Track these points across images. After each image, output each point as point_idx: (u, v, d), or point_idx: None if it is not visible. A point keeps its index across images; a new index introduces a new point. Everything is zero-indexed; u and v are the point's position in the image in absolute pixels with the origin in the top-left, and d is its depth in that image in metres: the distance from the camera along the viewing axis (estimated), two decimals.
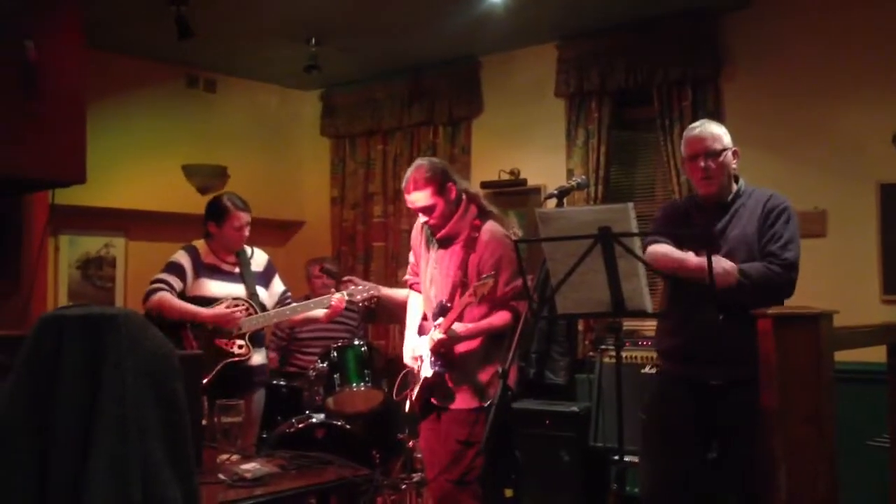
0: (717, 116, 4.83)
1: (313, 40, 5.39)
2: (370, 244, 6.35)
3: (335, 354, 4.49)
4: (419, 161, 3.43)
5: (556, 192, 3.06)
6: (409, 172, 3.37)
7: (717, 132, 3.11)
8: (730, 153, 3.10)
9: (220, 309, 3.89)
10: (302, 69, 5.55)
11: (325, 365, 4.48)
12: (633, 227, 2.62)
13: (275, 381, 4.77)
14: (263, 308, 4.03)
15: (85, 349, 1.66)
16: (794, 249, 2.98)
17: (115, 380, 1.63)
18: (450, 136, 5.99)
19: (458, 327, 3.28)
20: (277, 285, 4.21)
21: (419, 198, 3.33)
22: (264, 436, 4.28)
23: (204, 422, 2.95)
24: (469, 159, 5.89)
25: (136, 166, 5.67)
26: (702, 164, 3.05)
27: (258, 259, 4.18)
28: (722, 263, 2.86)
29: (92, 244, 5.71)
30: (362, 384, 4.43)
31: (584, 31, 5.26)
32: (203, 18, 4.72)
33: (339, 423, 4.30)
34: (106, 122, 5.28)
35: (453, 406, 3.38)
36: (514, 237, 3.36)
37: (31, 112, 2.38)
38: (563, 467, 4.52)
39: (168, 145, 5.88)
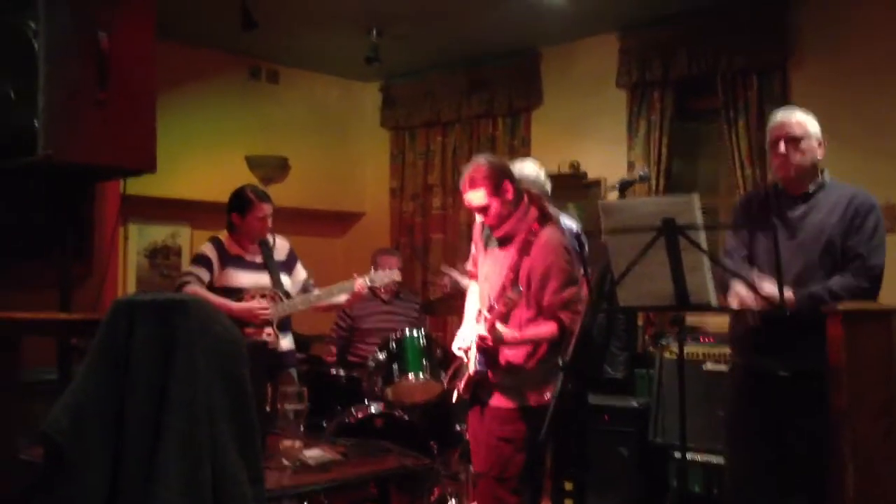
0: (784, 105, 4.71)
1: (374, 31, 5.42)
2: (429, 236, 6.36)
3: (394, 345, 4.51)
4: (478, 159, 3.37)
5: (617, 184, 3.03)
6: (467, 170, 3.31)
7: (801, 119, 3.05)
8: (814, 141, 3.03)
9: (250, 304, 3.96)
10: (362, 60, 5.58)
11: (383, 355, 4.51)
12: (698, 218, 2.57)
13: (334, 371, 4.82)
14: (288, 296, 4.11)
15: (156, 334, 1.70)
16: (882, 254, 2.91)
17: (186, 364, 1.67)
18: (509, 127, 5.97)
19: (503, 331, 3.25)
20: (300, 272, 4.29)
21: (474, 197, 3.28)
22: (324, 424, 4.33)
23: (267, 408, 2.99)
24: (528, 151, 5.85)
25: (200, 157, 5.78)
26: (781, 149, 2.99)
27: (280, 247, 4.26)
28: (788, 293, 2.78)
29: (159, 233, 5.85)
30: (421, 375, 4.44)
31: (646, 20, 5.19)
32: (266, 9, 4.78)
33: (398, 414, 4.33)
34: (172, 113, 5.38)
35: (494, 403, 3.37)
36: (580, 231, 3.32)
37: (105, 103, 2.43)
38: (622, 462, 4.48)
39: (232, 136, 5.98)
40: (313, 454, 2.66)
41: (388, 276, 4.15)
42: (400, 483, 3.93)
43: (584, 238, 3.47)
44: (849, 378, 2.30)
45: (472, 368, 3.35)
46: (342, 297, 4.16)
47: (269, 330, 4.01)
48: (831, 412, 2.36)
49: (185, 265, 5.91)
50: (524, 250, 3.27)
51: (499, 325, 3.19)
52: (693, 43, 5.02)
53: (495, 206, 3.28)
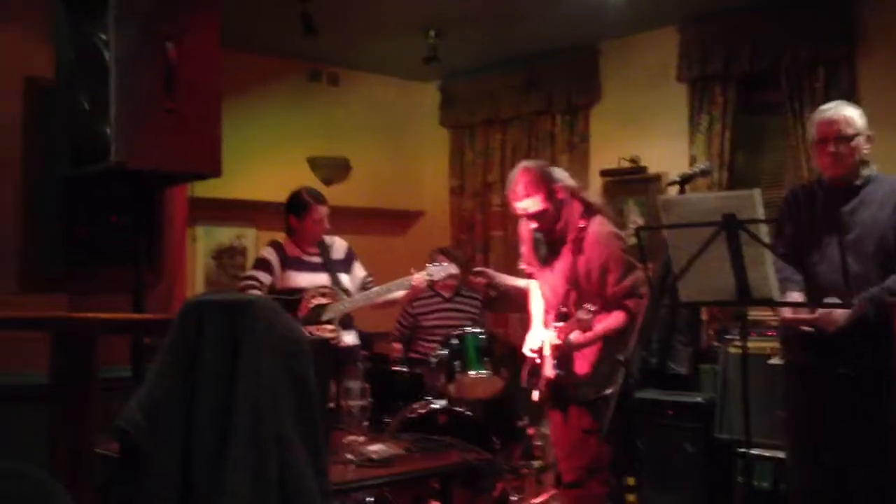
0: (852, 97, 4.59)
1: (432, 32, 5.46)
2: (489, 234, 6.39)
3: (456, 342, 4.54)
4: (524, 164, 3.34)
5: (678, 178, 2.98)
6: (515, 177, 3.28)
7: (850, 115, 2.99)
8: (863, 138, 2.98)
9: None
10: (421, 61, 5.63)
11: (446, 352, 4.56)
12: (760, 213, 2.55)
13: (396, 368, 4.88)
14: (348, 294, 4.17)
15: (224, 332, 1.77)
16: None
17: (252, 361, 1.73)
18: (568, 124, 5.94)
19: (575, 336, 3.26)
20: (359, 270, 4.35)
21: (530, 204, 3.25)
22: (387, 420, 4.39)
23: (332, 404, 3.06)
24: (588, 147, 5.83)
25: (264, 159, 5.89)
26: (831, 148, 2.95)
27: (338, 247, 4.33)
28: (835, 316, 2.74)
29: (225, 235, 5.99)
30: (482, 371, 4.47)
31: (707, 12, 5.11)
32: (325, 15, 4.86)
33: (460, 410, 4.37)
34: (236, 117, 5.49)
35: (575, 398, 3.39)
36: (633, 225, 3.32)
37: (172, 110, 2.52)
38: (687, 458, 4.43)
39: (294, 138, 6.09)
40: (377, 449, 2.71)
41: (445, 269, 4.19)
42: (462, 478, 3.96)
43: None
44: None
45: (550, 372, 3.36)
46: (401, 293, 4.22)
47: (330, 327, 4.09)
48: (893, 407, 2.32)
49: (250, 265, 6.06)
50: (577, 249, 3.26)
51: (571, 336, 3.19)
52: (756, 36, 4.93)
53: (551, 210, 3.27)
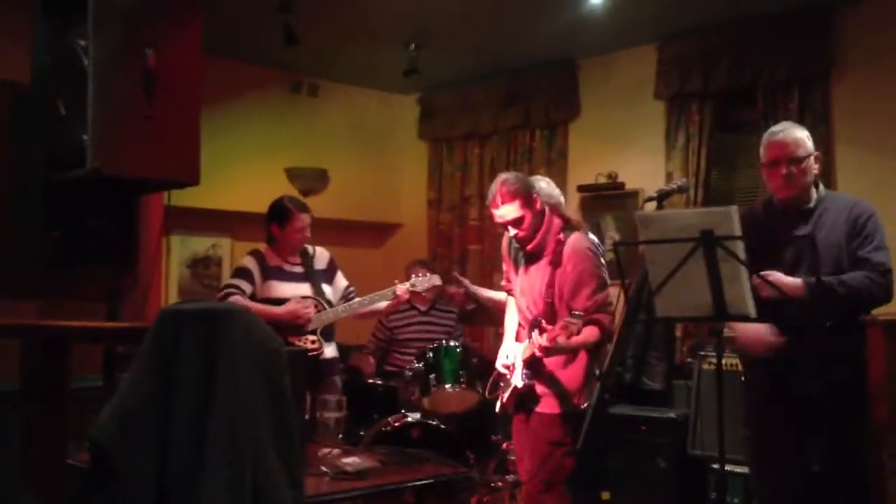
0: (825, 118, 4.68)
1: (412, 45, 5.48)
2: (466, 247, 6.40)
3: (431, 355, 4.53)
4: (502, 175, 3.41)
5: (655, 194, 3.03)
6: (494, 187, 3.33)
7: (800, 137, 3.04)
8: (812, 159, 3.03)
9: (290, 305, 4.00)
10: (401, 73, 5.64)
11: (421, 365, 4.54)
12: (737, 230, 2.57)
13: (371, 381, 4.86)
14: (331, 304, 4.14)
15: (201, 341, 1.75)
16: (886, 255, 2.94)
17: (229, 370, 1.72)
18: (546, 139, 5.98)
19: (562, 340, 3.26)
20: (341, 281, 4.33)
21: (508, 211, 3.29)
22: (361, 433, 4.37)
23: (306, 416, 3.04)
24: (566, 163, 5.87)
25: (241, 169, 5.87)
26: (784, 170, 3.00)
27: (321, 257, 4.30)
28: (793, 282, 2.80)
29: (200, 244, 5.95)
30: (457, 385, 4.46)
31: (686, 30, 5.18)
32: (307, 25, 4.86)
33: (435, 423, 4.35)
34: (214, 126, 5.46)
35: (542, 410, 3.40)
36: (610, 241, 3.35)
37: (151, 117, 2.50)
38: (660, 474, 4.45)
39: (272, 149, 6.07)
40: (351, 461, 2.70)
41: (429, 280, 4.20)
42: (436, 492, 3.95)
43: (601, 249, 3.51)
44: (890, 388, 2.28)
45: (519, 383, 3.37)
46: (384, 304, 4.21)
47: (312, 337, 4.06)
48: (873, 423, 2.34)
49: (226, 276, 6.01)
50: (555, 262, 3.30)
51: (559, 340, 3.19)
52: (733, 55, 5.00)
53: (528, 217, 3.31)
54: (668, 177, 5.20)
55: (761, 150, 3.13)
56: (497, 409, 3.67)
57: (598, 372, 2.85)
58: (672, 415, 4.59)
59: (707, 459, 4.29)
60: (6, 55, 3.71)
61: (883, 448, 2.30)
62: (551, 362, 3.39)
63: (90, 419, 1.76)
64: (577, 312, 3.08)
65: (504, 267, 3.74)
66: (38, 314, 3.77)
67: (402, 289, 4.12)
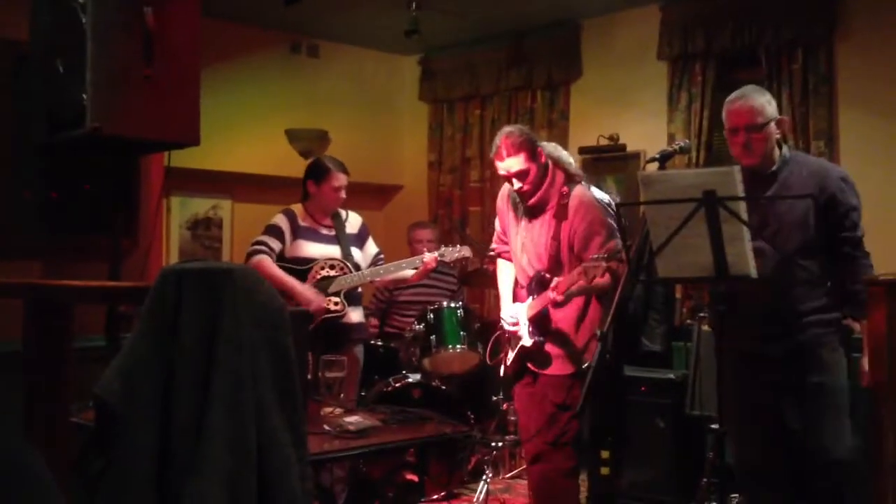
0: (830, 78, 4.64)
1: (414, 4, 5.41)
2: (466, 209, 6.39)
3: (432, 316, 4.56)
4: (507, 128, 3.41)
5: (657, 155, 3.00)
6: (499, 140, 3.33)
7: (759, 104, 2.97)
8: (773, 124, 2.98)
9: (310, 293, 3.97)
10: (402, 34, 5.58)
11: (421, 326, 4.57)
12: (739, 191, 2.57)
13: (372, 342, 4.89)
14: (358, 268, 4.14)
15: (203, 300, 1.75)
16: (859, 221, 2.96)
17: (232, 330, 1.72)
18: (548, 100, 5.94)
19: (575, 287, 3.26)
20: (371, 247, 4.32)
21: (513, 163, 3.29)
22: (363, 394, 4.40)
23: (309, 376, 3.06)
24: (567, 124, 5.84)
25: (242, 131, 5.84)
26: (742, 139, 2.95)
27: (353, 221, 4.29)
28: None
29: (200, 206, 5.94)
30: (458, 346, 4.49)
31: None
32: None
33: (435, 384, 4.39)
34: (214, 87, 5.42)
35: (550, 371, 3.41)
36: (613, 201, 3.35)
37: (150, 77, 2.48)
38: (659, 434, 4.49)
39: (272, 110, 6.03)
40: (353, 420, 2.72)
41: (458, 251, 4.14)
42: (438, 451, 3.99)
43: (613, 209, 3.49)
44: (890, 348, 2.28)
45: (528, 341, 3.38)
46: (410, 272, 4.19)
47: (335, 300, 4.06)
48: (874, 384, 2.36)
49: (227, 237, 6.02)
50: (560, 215, 3.31)
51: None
52: (737, 15, 4.94)
53: (533, 170, 3.30)
54: (670, 138, 5.17)
55: (723, 116, 3.06)
56: (501, 373, 3.70)
57: (598, 332, 2.86)
58: (671, 375, 4.62)
59: (705, 419, 4.32)
60: (7, 14, 3.67)
61: (882, 406, 2.31)
62: (560, 322, 3.40)
63: (93, 378, 1.77)
64: (597, 256, 3.09)
65: (497, 227, 3.72)
66: (40, 275, 3.78)
67: (429, 257, 4.10)
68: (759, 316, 2.96)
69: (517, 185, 3.36)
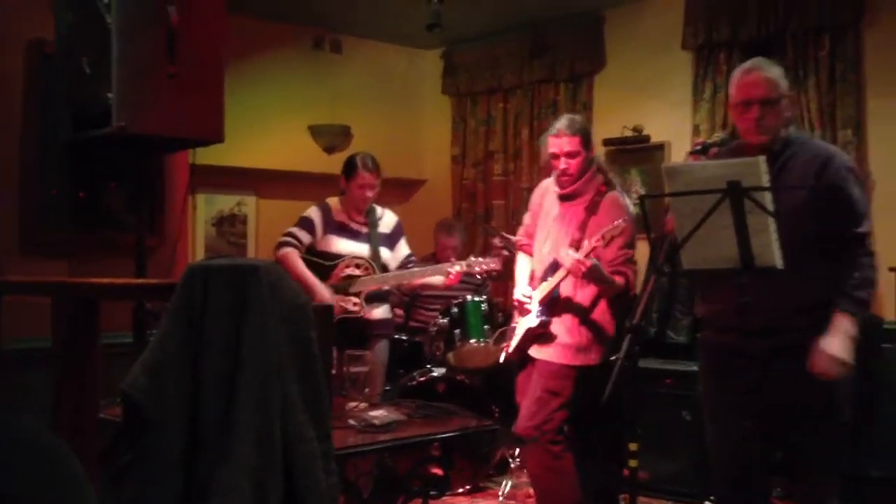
0: (857, 66, 4.58)
1: None
2: (490, 202, 6.38)
3: (456, 310, 4.56)
4: (569, 115, 3.70)
5: (699, 147, 2.92)
6: (561, 121, 3.54)
7: (775, 76, 2.77)
8: (786, 100, 2.78)
9: (330, 297, 3.98)
10: (423, 28, 5.57)
11: (446, 320, 4.57)
12: (765, 181, 2.53)
13: (397, 336, 4.90)
14: (384, 269, 4.14)
15: (230, 297, 1.76)
16: (868, 219, 2.75)
17: (257, 325, 1.73)
18: (571, 92, 5.91)
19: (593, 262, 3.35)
20: (403, 248, 4.31)
21: (567, 143, 3.47)
22: (387, 388, 4.42)
23: (333, 371, 3.07)
24: (591, 116, 5.80)
25: (265, 127, 5.86)
26: (756, 114, 2.72)
27: (387, 221, 4.30)
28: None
29: (226, 202, 5.98)
30: (482, 340, 4.49)
31: None
32: None
33: (460, 378, 4.39)
34: (238, 84, 5.45)
35: (547, 357, 3.49)
36: (636, 195, 3.44)
37: (174, 75, 2.50)
38: (685, 427, 4.47)
39: (295, 106, 6.05)
40: (378, 415, 2.73)
41: (486, 263, 4.03)
42: (463, 445, 3.99)
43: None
44: None
45: (533, 321, 3.46)
46: (438, 279, 4.16)
47: (355, 300, 4.08)
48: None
49: (251, 233, 6.06)
50: (591, 209, 3.45)
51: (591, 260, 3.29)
52: (762, 2, 4.87)
53: (582, 157, 3.50)
54: (695, 129, 5.13)
55: (731, 89, 2.85)
56: (502, 358, 3.77)
57: (628, 324, 2.83)
58: (696, 368, 4.58)
59: None
60: (31, 16, 3.71)
61: None
62: (567, 312, 3.47)
63: (121, 374, 1.79)
64: (612, 225, 3.25)
65: (526, 220, 3.80)
66: (68, 273, 3.83)
67: (456, 271, 4.01)
68: (748, 308, 2.69)
69: (563, 165, 3.50)
